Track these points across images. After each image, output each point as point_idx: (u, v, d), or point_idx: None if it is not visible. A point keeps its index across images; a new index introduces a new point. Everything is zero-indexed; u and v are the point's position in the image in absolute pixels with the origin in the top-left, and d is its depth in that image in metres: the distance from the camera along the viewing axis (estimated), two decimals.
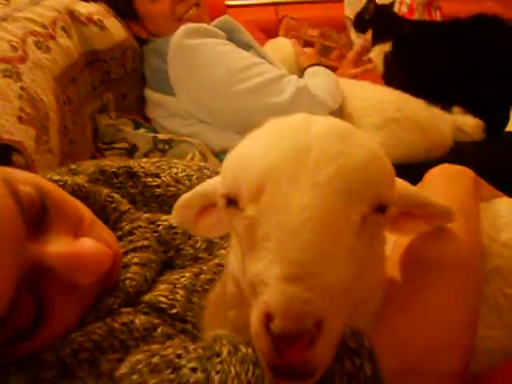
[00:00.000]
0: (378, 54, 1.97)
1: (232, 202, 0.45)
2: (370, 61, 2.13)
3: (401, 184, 0.53)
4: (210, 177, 0.84)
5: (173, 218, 0.58)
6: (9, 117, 0.89)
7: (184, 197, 0.56)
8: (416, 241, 0.60)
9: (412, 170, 0.78)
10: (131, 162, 0.85)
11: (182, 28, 1.47)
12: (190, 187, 0.83)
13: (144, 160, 0.89)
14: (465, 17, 1.76)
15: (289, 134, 0.45)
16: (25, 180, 0.54)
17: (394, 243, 0.63)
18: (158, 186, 0.82)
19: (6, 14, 1.08)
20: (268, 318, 0.37)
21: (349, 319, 0.47)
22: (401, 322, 0.52)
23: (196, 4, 1.65)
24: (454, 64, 1.72)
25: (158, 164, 0.86)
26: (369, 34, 2.04)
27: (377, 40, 1.97)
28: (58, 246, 0.54)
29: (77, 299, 0.57)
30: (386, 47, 1.93)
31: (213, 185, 0.53)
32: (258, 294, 0.39)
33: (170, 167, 0.85)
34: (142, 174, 0.82)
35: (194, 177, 0.85)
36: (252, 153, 0.45)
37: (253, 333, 0.39)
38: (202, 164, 0.91)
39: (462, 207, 0.63)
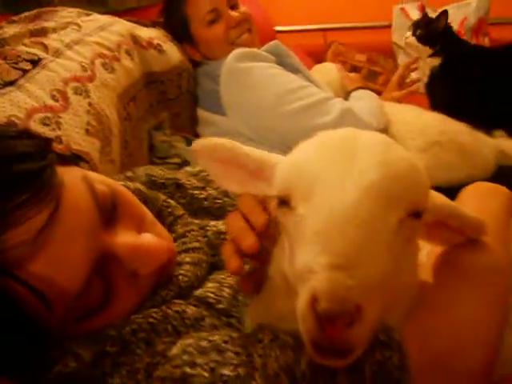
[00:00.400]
0: (427, 65, 2.00)
1: (283, 202, 0.51)
2: (413, 83, 2.15)
3: (436, 195, 0.58)
4: None
5: (195, 145, 0.60)
6: (78, 129, 0.99)
7: (238, 146, 0.60)
8: (450, 249, 0.63)
9: (455, 192, 0.80)
10: (179, 175, 0.91)
11: (234, 52, 1.55)
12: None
13: (188, 170, 0.96)
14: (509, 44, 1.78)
15: (337, 144, 0.50)
16: (99, 180, 0.63)
17: (429, 252, 0.67)
18: (205, 199, 0.87)
19: (78, 38, 1.19)
20: (314, 300, 0.42)
21: (383, 314, 0.53)
22: (431, 321, 0.56)
23: (248, 29, 1.75)
24: (497, 88, 1.73)
25: (201, 175, 0.92)
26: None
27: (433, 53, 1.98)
28: (124, 238, 0.61)
29: (136, 288, 0.64)
30: (436, 61, 1.95)
31: (265, 156, 0.59)
32: (306, 281, 0.44)
33: (212, 180, 0.91)
34: (188, 186, 0.88)
35: None
36: (304, 159, 0.51)
37: (299, 314, 0.44)
38: None
39: (493, 221, 0.66)
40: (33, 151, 0.56)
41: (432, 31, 1.98)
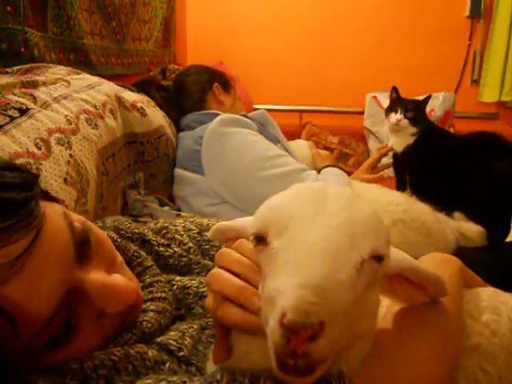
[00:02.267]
0: (402, 145, 2.08)
1: (260, 239, 0.55)
2: (383, 168, 2.25)
3: (396, 251, 0.62)
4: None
5: (209, 234, 0.70)
6: (57, 178, 1.02)
7: (221, 224, 0.69)
8: (408, 306, 0.66)
9: None
10: (145, 230, 0.93)
11: (220, 117, 1.65)
12: (198, 255, 0.93)
13: (151, 226, 0.97)
14: (473, 133, 1.90)
15: (310, 191, 0.57)
16: (77, 219, 0.66)
17: (387, 308, 0.70)
18: (170, 257, 0.90)
19: (67, 93, 1.25)
20: (283, 315, 0.45)
21: (346, 356, 0.56)
22: (382, 372, 0.58)
23: None
24: (459, 172, 1.83)
25: (163, 232, 0.95)
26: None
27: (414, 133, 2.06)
28: (95, 276, 0.64)
29: (100, 327, 0.65)
30: (411, 141, 2.04)
31: (243, 223, 0.66)
32: (276, 302, 0.48)
33: (174, 237, 0.94)
34: (154, 243, 0.90)
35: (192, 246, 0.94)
36: (280, 202, 0.57)
37: (269, 332, 0.48)
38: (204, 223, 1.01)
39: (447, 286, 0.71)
40: (19, 182, 0.58)
41: (420, 112, 2.08)
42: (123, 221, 0.96)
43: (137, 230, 0.92)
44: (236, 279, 0.58)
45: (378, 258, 0.53)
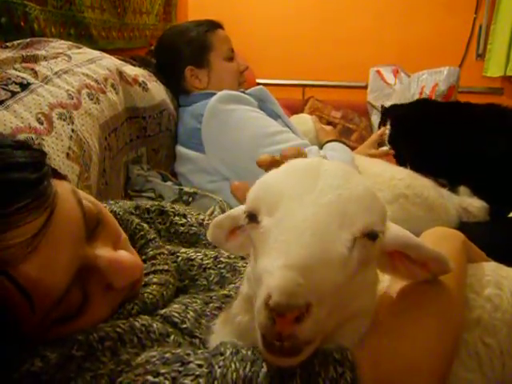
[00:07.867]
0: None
1: (252, 217, 0.55)
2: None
3: (397, 227, 0.62)
4: None
5: (208, 235, 0.70)
6: (59, 153, 1.02)
7: (217, 218, 0.68)
8: (409, 283, 0.67)
9: None
10: (166, 204, 0.97)
11: (219, 94, 1.63)
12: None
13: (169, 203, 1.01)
14: (479, 104, 1.87)
15: (303, 168, 0.56)
16: (85, 197, 0.67)
17: (388, 283, 0.70)
18: (182, 225, 0.93)
19: (68, 68, 1.24)
20: (268, 296, 0.45)
21: (338, 335, 0.56)
22: (383, 343, 0.59)
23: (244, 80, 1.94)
24: (464, 145, 1.82)
25: (188, 209, 0.99)
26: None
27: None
28: (103, 252, 0.65)
29: (108, 300, 0.66)
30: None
31: (239, 210, 0.64)
32: (263, 282, 0.47)
33: (199, 214, 0.98)
34: (171, 213, 0.94)
35: None
36: (272, 180, 0.57)
37: (256, 311, 0.48)
38: None
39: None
40: (31, 162, 0.59)
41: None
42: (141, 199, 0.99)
43: (156, 203, 0.95)
44: None
45: (372, 235, 0.53)
